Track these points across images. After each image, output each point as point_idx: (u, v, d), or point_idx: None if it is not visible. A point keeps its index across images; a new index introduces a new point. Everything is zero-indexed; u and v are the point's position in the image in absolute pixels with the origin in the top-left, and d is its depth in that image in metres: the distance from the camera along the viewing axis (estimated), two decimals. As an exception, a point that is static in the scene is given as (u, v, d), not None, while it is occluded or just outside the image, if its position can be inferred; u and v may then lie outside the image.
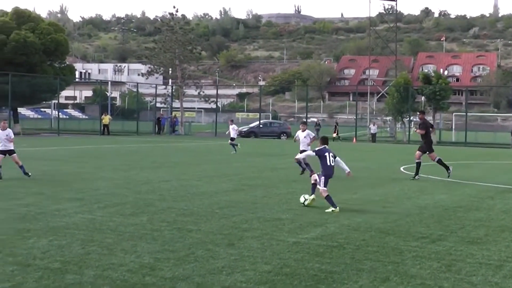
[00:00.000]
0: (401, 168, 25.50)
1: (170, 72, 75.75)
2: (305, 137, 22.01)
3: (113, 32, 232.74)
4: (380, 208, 13.99)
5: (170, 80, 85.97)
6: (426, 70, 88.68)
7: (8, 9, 60.97)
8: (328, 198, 13.34)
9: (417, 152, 21.99)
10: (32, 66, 56.57)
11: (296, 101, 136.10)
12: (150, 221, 11.53)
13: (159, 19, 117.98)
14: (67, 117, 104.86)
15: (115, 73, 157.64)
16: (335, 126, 61.56)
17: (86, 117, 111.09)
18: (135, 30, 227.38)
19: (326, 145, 13.97)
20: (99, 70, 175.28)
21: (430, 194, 16.96)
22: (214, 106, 73.49)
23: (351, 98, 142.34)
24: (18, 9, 59.84)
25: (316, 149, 13.98)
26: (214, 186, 17.34)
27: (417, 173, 21.26)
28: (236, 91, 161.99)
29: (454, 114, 74.21)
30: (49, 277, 7.49)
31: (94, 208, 12.93)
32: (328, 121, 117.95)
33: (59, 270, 7.81)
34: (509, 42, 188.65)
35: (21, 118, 67.72)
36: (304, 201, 13.90)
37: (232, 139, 33.92)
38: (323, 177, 13.61)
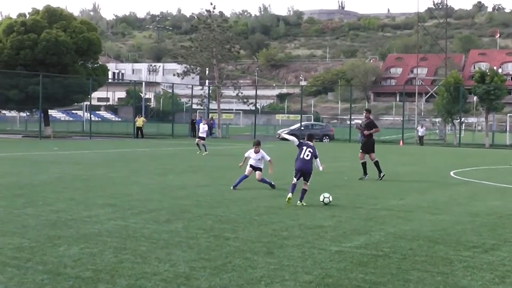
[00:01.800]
0: (451, 173, 25.24)
1: (207, 72, 76.20)
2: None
3: (147, 31, 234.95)
4: (428, 215, 13.86)
5: (207, 81, 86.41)
6: (478, 68, 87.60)
7: (40, 7, 61.75)
8: (292, 185, 14.91)
9: (360, 153, 22.55)
10: (63, 66, 57.30)
11: (339, 102, 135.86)
12: (185, 228, 11.57)
13: (195, 17, 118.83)
14: (100, 119, 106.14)
15: (149, 73, 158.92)
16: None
17: (119, 119, 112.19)
18: (170, 28, 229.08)
19: (309, 142, 15.43)
20: (133, 70, 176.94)
21: (483, 200, 16.75)
22: (253, 107, 73.72)
23: (397, 99, 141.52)
24: (49, 7, 60.58)
25: (301, 140, 15.58)
26: (252, 192, 17.33)
27: (365, 173, 21.79)
28: (276, 91, 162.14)
29: (508, 115, 73.24)
30: (80, 286, 7.56)
31: (127, 214, 13.02)
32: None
33: (91, 279, 7.88)
34: None
35: (52, 121, 68.59)
36: (324, 199, 14.96)
37: (203, 138, 34.85)
38: (296, 171, 15.02)
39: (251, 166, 18.47)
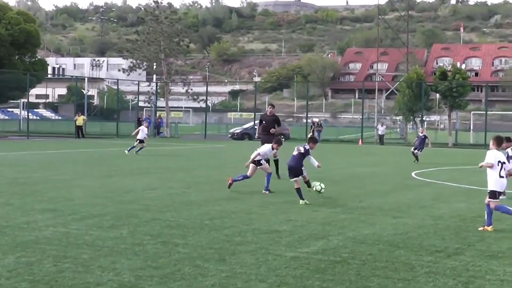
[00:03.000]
0: (413, 174, 25.51)
1: (154, 67, 76.01)
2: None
3: (90, 23, 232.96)
4: (389, 218, 13.98)
5: (154, 76, 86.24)
6: (441, 64, 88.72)
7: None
8: (297, 189, 15.93)
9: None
10: (-2, 61, 56.57)
11: (295, 99, 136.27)
12: (131, 234, 11.51)
13: (142, 8, 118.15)
14: (38, 118, 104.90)
15: (92, 69, 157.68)
16: (312, 126, 61.80)
17: (60, 118, 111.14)
18: (115, 20, 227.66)
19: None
20: (75, 65, 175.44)
21: (446, 202, 16.96)
22: (203, 105, 73.59)
23: (357, 96, 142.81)
24: (-18, -4, 59.82)
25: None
26: (204, 195, 17.32)
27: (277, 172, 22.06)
28: (228, 88, 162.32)
29: (472, 113, 74.49)
30: (17, 298, 7.46)
31: (68, 220, 12.89)
32: (332, 122, 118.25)
33: (29, 290, 7.78)
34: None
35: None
36: (321, 189, 16.59)
37: (141, 141, 34.83)
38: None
39: (255, 162, 18.55)
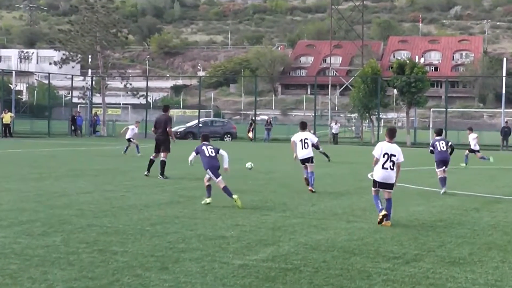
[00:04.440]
0: (369, 175, 25.71)
1: (89, 60, 75.18)
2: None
3: (18, 11, 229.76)
4: (344, 223, 14.09)
5: (89, 70, 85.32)
6: (399, 58, 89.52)
7: None
8: (225, 188, 16.20)
9: (155, 153, 24.30)
10: None
11: (243, 95, 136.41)
12: (65, 242, 11.41)
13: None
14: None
15: (21, 61, 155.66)
16: (251, 124, 61.99)
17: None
18: (45, 8, 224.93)
19: (205, 142, 16.96)
20: (0, 57, 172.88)
21: (403, 205, 17.14)
22: (143, 101, 73.19)
23: (309, 91, 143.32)
24: None
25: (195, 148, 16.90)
26: (144, 198, 17.26)
27: (148, 170, 23.69)
28: (170, 83, 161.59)
29: (431, 109, 75.25)
30: None
31: (-5, 226, 12.75)
32: (282, 119, 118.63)
33: (-48, 304, 7.68)
34: (497, 23, 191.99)
35: None
36: (251, 167, 19.42)
37: (129, 140, 36.38)
38: (208, 170, 16.40)
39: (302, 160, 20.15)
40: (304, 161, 20.00)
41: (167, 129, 23.90)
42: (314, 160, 20.02)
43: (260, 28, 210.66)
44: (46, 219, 13.72)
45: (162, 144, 23.81)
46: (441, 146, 21.08)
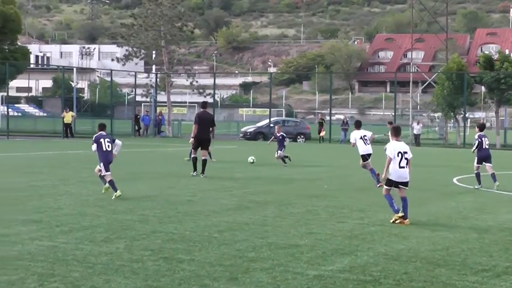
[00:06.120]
0: (454, 180, 25.44)
1: (154, 56, 75.87)
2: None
3: (79, 4, 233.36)
4: (427, 232, 13.95)
5: (153, 67, 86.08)
6: (487, 52, 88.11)
7: None
8: (111, 182, 18.02)
9: (193, 149, 25.33)
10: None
11: (317, 93, 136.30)
12: (128, 249, 11.52)
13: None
14: (20, 114, 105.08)
15: (82, 58, 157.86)
16: (321, 124, 61.79)
17: (45, 114, 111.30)
18: (107, 1, 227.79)
19: (102, 131, 18.42)
20: (61, 53, 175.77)
21: (493, 213, 16.91)
22: (210, 99, 73.55)
23: (388, 89, 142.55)
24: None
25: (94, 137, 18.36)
26: (211, 203, 17.32)
27: (195, 169, 24.60)
28: (239, 80, 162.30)
29: (524, 109, 74.06)
30: (-3, 322, 7.49)
31: (55, 232, 12.92)
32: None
33: (11, 313, 7.80)
34: None
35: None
36: (253, 161, 21.36)
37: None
38: (102, 164, 18.14)
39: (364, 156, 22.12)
40: (368, 156, 22.46)
41: (212, 127, 24.89)
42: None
43: (335, 21, 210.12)
44: (108, 224, 13.87)
45: (206, 143, 24.60)
46: (486, 143, 22.38)
